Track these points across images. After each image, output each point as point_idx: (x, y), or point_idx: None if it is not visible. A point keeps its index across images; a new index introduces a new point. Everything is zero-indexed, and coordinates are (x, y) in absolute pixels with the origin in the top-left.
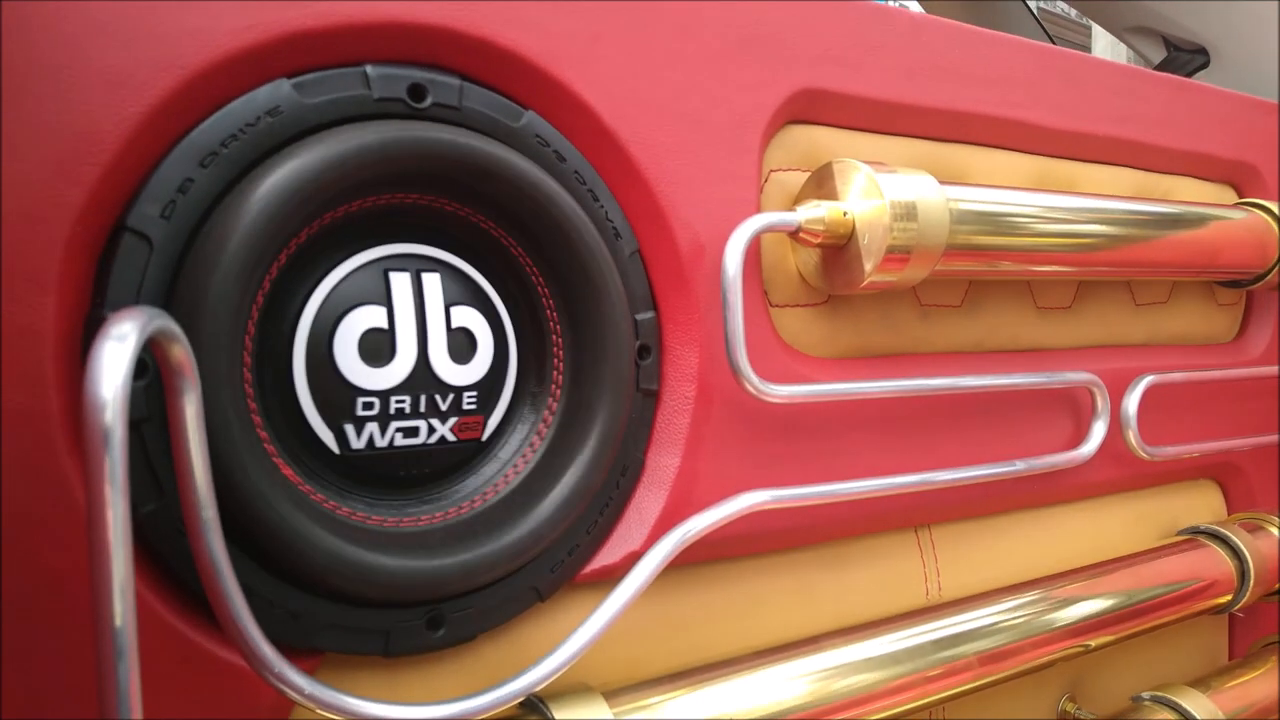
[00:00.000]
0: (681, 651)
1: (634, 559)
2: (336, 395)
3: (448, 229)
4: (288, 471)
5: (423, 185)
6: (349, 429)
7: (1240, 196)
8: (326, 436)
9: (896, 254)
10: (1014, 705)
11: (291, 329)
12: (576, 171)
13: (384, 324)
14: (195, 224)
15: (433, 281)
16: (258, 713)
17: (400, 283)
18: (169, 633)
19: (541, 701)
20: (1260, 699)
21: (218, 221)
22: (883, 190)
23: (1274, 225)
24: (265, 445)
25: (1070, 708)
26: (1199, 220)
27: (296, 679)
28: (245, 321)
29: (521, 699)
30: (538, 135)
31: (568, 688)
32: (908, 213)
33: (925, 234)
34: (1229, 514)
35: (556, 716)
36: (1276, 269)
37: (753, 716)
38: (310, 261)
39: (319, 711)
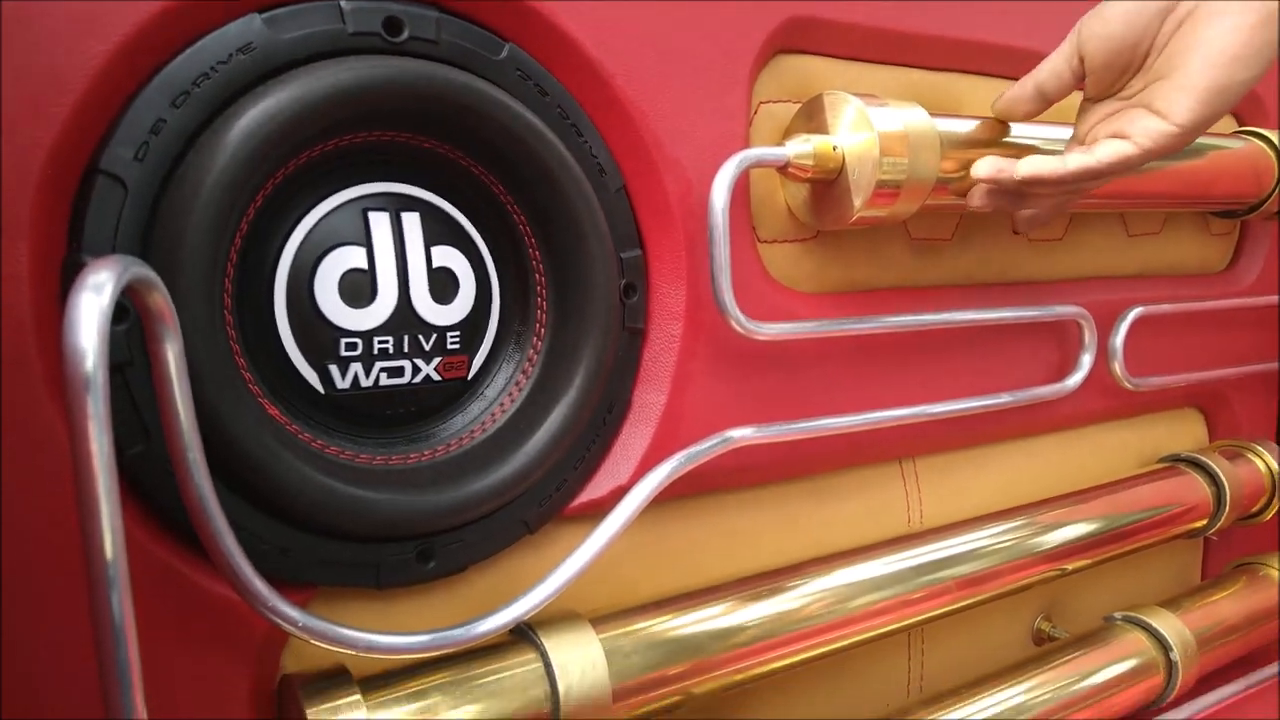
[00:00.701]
0: (668, 581)
1: (620, 493)
2: (319, 336)
3: (427, 167)
4: (274, 411)
5: (400, 122)
6: (333, 369)
7: (1240, 124)
8: (311, 377)
9: (886, 189)
10: (991, 625)
11: (271, 270)
12: (559, 106)
13: (364, 264)
14: (170, 165)
15: (412, 220)
16: (253, 645)
17: (380, 222)
18: (164, 571)
19: (530, 629)
20: (1227, 617)
21: (192, 163)
22: (873, 123)
23: (1271, 155)
24: (250, 386)
25: (1046, 627)
26: (1196, 150)
27: (290, 612)
28: (224, 264)
29: (512, 627)
30: (519, 69)
31: (556, 615)
32: (898, 147)
33: (916, 168)
34: (1211, 442)
35: (545, 642)
36: (1272, 199)
37: (735, 639)
38: (288, 202)
39: (313, 642)
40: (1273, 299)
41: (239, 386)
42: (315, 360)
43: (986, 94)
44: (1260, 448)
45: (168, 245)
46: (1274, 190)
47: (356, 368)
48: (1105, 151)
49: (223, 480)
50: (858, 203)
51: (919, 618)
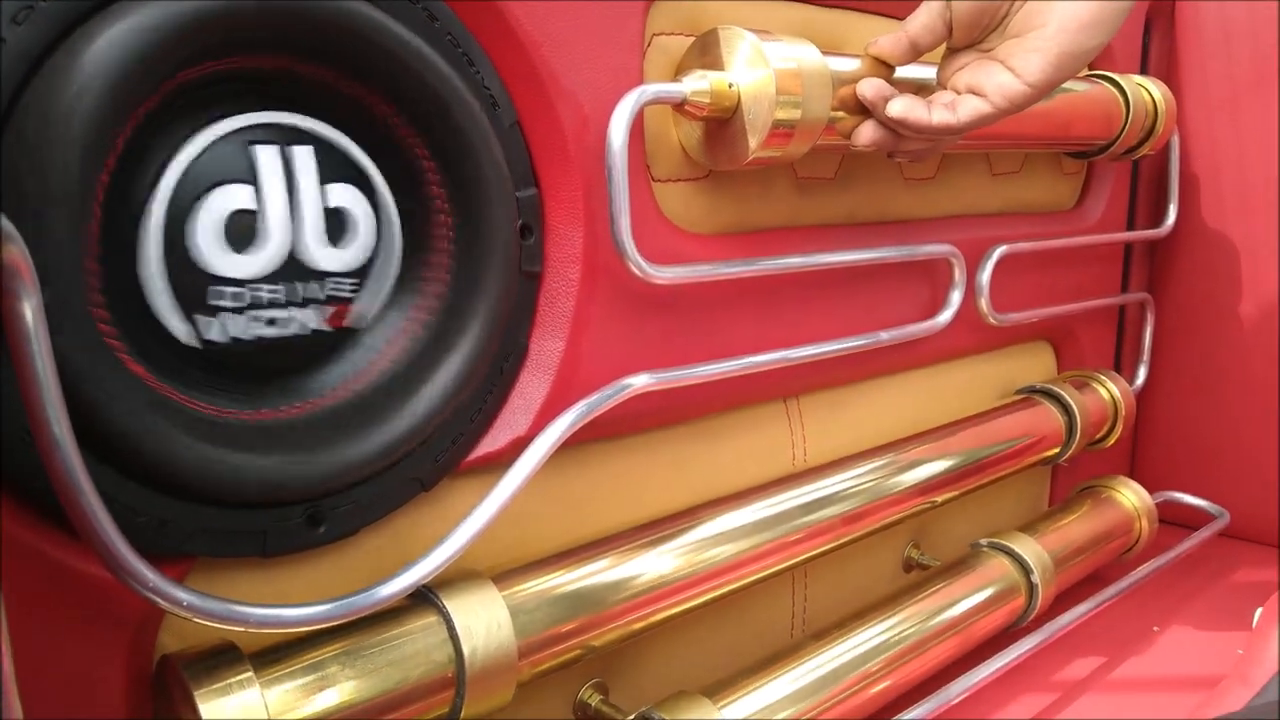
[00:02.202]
0: (565, 531)
1: (519, 444)
2: (195, 285)
3: (314, 96)
4: (139, 369)
5: (280, 47)
6: (210, 320)
7: (1089, 68)
8: (184, 330)
9: (781, 129)
10: (866, 556)
11: (140, 213)
12: (450, 34)
13: (251, 205)
14: (12, 94)
15: (304, 155)
16: (128, 626)
17: (267, 157)
18: (21, 551)
19: (430, 590)
20: (1078, 538)
21: (41, 91)
22: (769, 61)
23: (1119, 98)
24: (113, 342)
25: (914, 554)
26: (1061, 94)
27: (176, 592)
28: (90, 205)
29: (413, 590)
30: None
31: (456, 574)
32: (793, 86)
33: (809, 108)
34: (1060, 372)
35: (446, 604)
36: (1120, 140)
37: (638, 590)
38: (160, 133)
39: (205, 623)
40: (1121, 236)
41: (102, 345)
42: (189, 312)
43: (865, 32)
44: (1104, 377)
45: (19, 187)
46: (1122, 132)
47: (239, 318)
48: (966, 110)
49: (88, 447)
50: (753, 143)
51: (806, 555)
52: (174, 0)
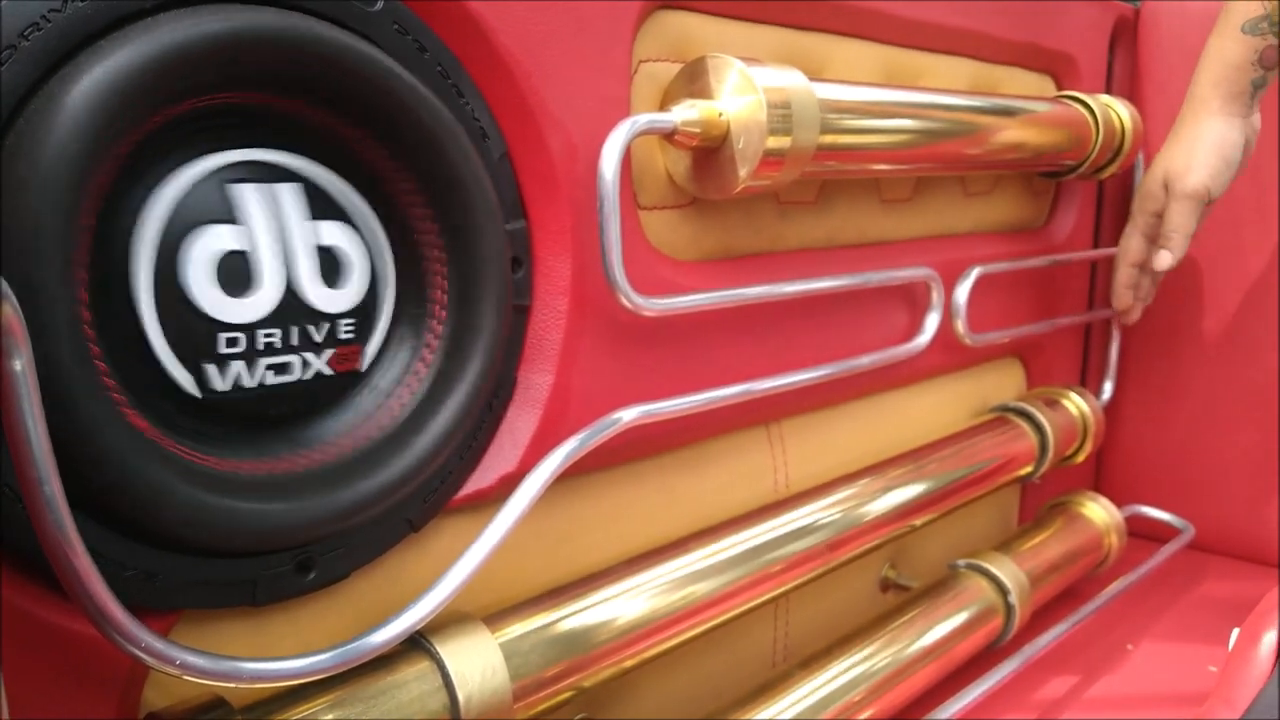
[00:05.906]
0: (552, 566)
1: (508, 481)
2: (193, 332)
3: (301, 131)
4: (141, 423)
5: (262, 83)
6: (210, 369)
7: (1059, 87)
8: (185, 380)
9: (771, 158)
10: (845, 580)
11: (126, 256)
12: (439, 64)
13: (242, 246)
14: None
15: (292, 193)
16: (116, 685)
17: (254, 197)
18: (8, 608)
19: (423, 636)
20: (1051, 557)
21: (26, 133)
22: (759, 91)
23: (1090, 120)
24: (111, 395)
25: (891, 574)
26: (1035, 117)
27: (169, 650)
28: (76, 251)
29: (406, 637)
30: (396, 22)
31: (447, 617)
32: (783, 116)
33: (799, 136)
34: (1029, 388)
35: (439, 650)
36: (1089, 161)
37: (630, 627)
38: (141, 174)
39: (199, 681)
40: (1089, 254)
41: (101, 399)
42: (195, 360)
43: (846, 55)
44: (1074, 394)
45: (7, 236)
46: (1092, 153)
47: (243, 365)
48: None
49: (74, 501)
50: (743, 173)
51: (791, 584)
52: (162, 34)
